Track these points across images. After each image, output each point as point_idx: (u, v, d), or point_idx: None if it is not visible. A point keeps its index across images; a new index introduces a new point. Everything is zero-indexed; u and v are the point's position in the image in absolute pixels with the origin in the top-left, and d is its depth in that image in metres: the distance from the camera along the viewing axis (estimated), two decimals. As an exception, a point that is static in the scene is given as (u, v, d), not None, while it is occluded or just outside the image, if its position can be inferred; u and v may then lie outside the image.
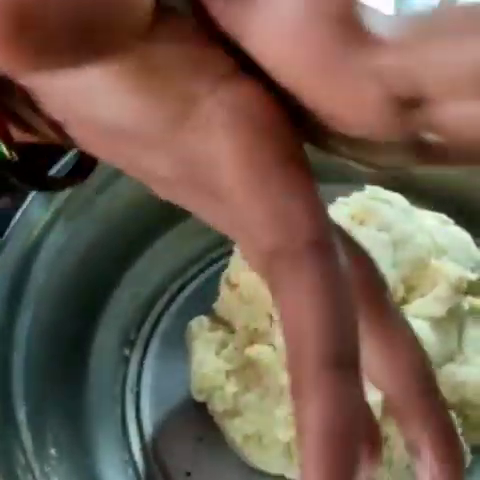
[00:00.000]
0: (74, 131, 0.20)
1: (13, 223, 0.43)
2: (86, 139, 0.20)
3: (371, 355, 0.20)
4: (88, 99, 0.19)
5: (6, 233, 0.42)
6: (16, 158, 0.22)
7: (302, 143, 0.19)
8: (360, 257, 0.21)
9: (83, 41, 0.16)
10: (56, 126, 0.20)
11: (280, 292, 0.17)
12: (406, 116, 0.17)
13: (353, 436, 0.16)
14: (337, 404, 0.16)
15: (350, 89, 0.17)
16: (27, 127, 0.21)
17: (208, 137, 0.18)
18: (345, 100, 0.18)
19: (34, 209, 0.44)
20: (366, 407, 0.21)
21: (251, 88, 0.19)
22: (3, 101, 0.20)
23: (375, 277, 0.21)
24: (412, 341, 0.21)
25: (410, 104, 0.17)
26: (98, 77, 0.18)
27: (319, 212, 0.18)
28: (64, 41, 0.15)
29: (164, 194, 0.21)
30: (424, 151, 0.19)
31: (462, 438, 0.40)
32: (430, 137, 0.18)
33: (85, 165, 0.24)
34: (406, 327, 0.21)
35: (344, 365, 0.17)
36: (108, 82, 0.18)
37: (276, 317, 0.15)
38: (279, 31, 0.17)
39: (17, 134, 0.22)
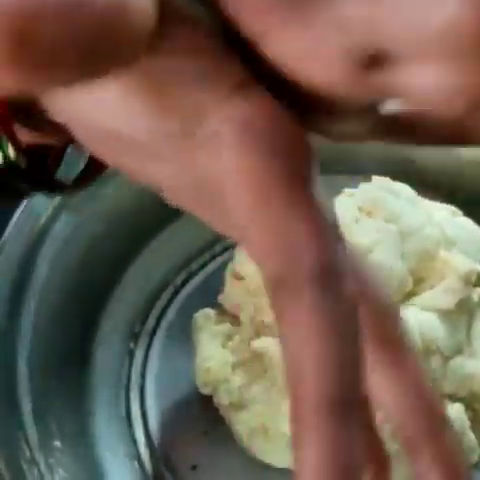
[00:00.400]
0: (79, 135, 0.20)
1: (16, 217, 0.43)
2: (91, 144, 0.20)
3: (381, 389, 0.20)
4: (95, 112, 0.18)
5: (9, 227, 0.42)
6: (24, 163, 0.21)
7: (313, 160, 0.18)
8: (367, 281, 0.20)
9: (84, 57, 0.15)
10: (62, 130, 0.20)
11: (282, 326, 0.17)
12: (369, 74, 0.17)
13: (351, 475, 0.16)
14: (336, 445, 0.16)
15: (316, 37, 0.16)
16: (35, 129, 0.21)
17: (214, 155, 0.18)
18: (309, 51, 0.17)
19: (37, 202, 0.44)
20: (373, 435, 0.22)
21: (261, 103, 0.18)
22: (10, 105, 0.20)
23: (383, 304, 0.21)
24: (422, 379, 0.21)
25: (374, 62, 0.16)
26: (104, 91, 0.18)
27: (324, 240, 0.17)
28: (64, 58, 0.15)
29: (170, 199, 0.20)
30: (391, 123, 0.18)
31: (471, 434, 0.40)
32: (392, 105, 0.18)
33: (95, 167, 0.24)
34: (416, 363, 0.21)
35: (345, 409, 0.16)
36: (113, 95, 0.18)
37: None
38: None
39: (22, 135, 0.21)
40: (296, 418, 0.16)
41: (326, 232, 0.17)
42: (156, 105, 0.18)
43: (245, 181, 0.17)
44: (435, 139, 0.19)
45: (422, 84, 0.16)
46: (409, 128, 0.19)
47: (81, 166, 0.24)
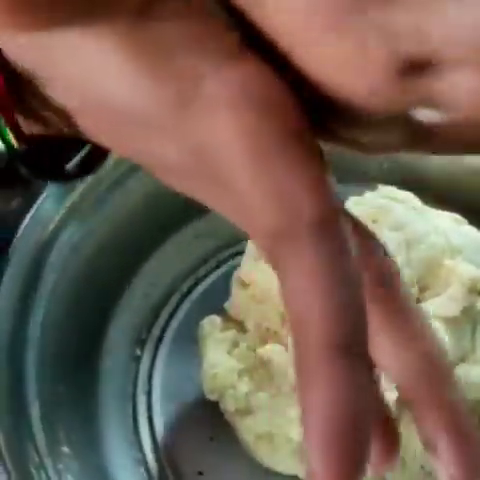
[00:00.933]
0: (81, 119, 0.20)
1: (26, 222, 0.43)
2: (93, 127, 0.20)
3: (383, 343, 0.20)
4: (91, 80, 0.19)
5: (19, 232, 0.43)
6: (24, 148, 0.21)
7: (309, 122, 0.18)
8: (370, 242, 0.21)
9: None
10: (64, 115, 0.20)
11: (283, 277, 0.17)
12: (409, 82, 0.17)
13: (359, 421, 0.16)
14: (342, 388, 0.16)
15: (355, 46, 0.16)
16: (36, 118, 0.21)
17: (212, 119, 0.18)
18: (348, 58, 0.17)
19: (47, 208, 0.44)
20: (377, 397, 0.21)
21: (256, 65, 0.18)
22: (12, 93, 0.20)
23: (387, 263, 0.20)
24: (425, 329, 0.20)
25: (414, 68, 0.16)
26: (100, 55, 0.18)
27: (323, 192, 0.17)
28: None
29: (173, 184, 0.20)
30: (419, 132, 0.18)
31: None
32: (427, 114, 0.18)
33: (95, 157, 0.24)
34: (419, 315, 0.21)
35: (350, 350, 0.16)
36: (109, 61, 0.18)
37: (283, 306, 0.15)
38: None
39: (28, 127, 0.21)
40: (300, 365, 0.16)
41: (326, 186, 0.17)
42: (154, 70, 0.18)
43: (245, 141, 0.17)
44: (459, 148, 0.19)
45: (459, 93, 0.16)
46: (437, 137, 0.19)
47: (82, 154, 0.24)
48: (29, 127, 0.22)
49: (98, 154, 0.24)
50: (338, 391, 0.16)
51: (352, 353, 0.16)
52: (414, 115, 0.18)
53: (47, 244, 0.44)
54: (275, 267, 0.17)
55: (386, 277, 0.21)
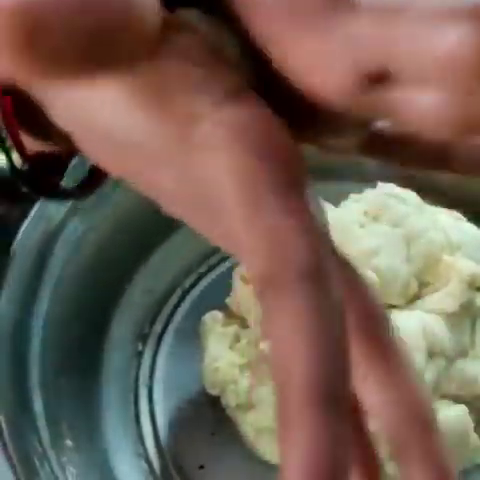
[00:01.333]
0: (83, 146, 0.20)
1: (30, 217, 0.43)
2: (95, 154, 0.20)
3: (371, 389, 0.20)
4: (95, 112, 0.19)
5: (23, 227, 0.43)
6: (26, 167, 0.22)
7: (305, 165, 0.19)
8: (359, 287, 0.20)
9: (90, 53, 0.16)
10: (66, 137, 0.20)
11: (268, 319, 0.17)
12: (368, 91, 0.17)
13: (338, 476, 0.16)
14: (324, 442, 0.16)
15: (333, 52, 0.17)
16: (38, 136, 0.22)
17: (209, 157, 0.18)
18: (325, 63, 0.17)
19: (49, 206, 0.44)
20: (366, 446, 0.21)
21: (253, 107, 0.18)
22: (17, 110, 0.21)
23: (374, 309, 0.20)
24: (412, 378, 0.20)
25: (375, 79, 0.17)
26: (106, 93, 0.19)
27: (315, 240, 0.17)
28: (71, 52, 0.16)
29: (168, 209, 0.21)
30: (375, 140, 0.19)
31: (475, 435, 0.40)
32: (383, 124, 0.19)
33: (96, 176, 0.24)
34: (406, 362, 0.20)
35: (332, 402, 0.16)
36: (115, 99, 0.19)
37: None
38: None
39: (28, 143, 0.22)
40: (281, 412, 0.16)
41: (315, 234, 0.17)
42: (155, 107, 0.18)
43: (239, 182, 0.18)
44: (419, 162, 0.21)
45: (414, 106, 0.17)
46: (395, 148, 0.20)
47: (85, 173, 0.24)
48: (31, 144, 0.22)
49: (99, 174, 0.24)
50: (319, 444, 0.16)
51: (334, 406, 0.16)
52: (374, 124, 0.19)
53: (51, 239, 0.45)
54: (262, 307, 0.17)
55: (371, 321, 0.20)
